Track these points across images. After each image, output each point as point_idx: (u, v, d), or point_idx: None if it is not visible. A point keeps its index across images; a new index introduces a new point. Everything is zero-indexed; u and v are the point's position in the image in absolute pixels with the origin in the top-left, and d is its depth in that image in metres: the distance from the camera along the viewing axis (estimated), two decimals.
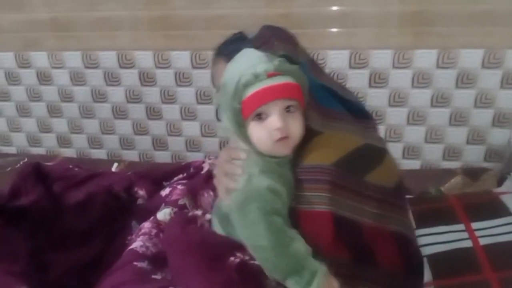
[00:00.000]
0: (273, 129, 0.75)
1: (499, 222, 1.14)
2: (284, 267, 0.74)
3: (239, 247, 0.84)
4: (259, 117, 0.76)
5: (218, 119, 0.84)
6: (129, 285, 0.83)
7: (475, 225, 1.15)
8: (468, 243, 1.10)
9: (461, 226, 1.15)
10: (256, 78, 0.74)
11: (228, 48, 0.89)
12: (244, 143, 0.81)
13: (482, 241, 1.09)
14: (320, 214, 0.76)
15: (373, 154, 0.83)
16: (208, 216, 1.00)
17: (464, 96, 1.45)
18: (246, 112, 0.76)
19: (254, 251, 0.77)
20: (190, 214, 0.99)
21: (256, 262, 0.81)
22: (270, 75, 0.74)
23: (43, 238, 1.05)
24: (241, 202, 0.78)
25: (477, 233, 1.12)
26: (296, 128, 0.77)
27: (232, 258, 0.83)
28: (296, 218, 0.77)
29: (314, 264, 0.74)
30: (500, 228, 1.12)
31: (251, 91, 0.74)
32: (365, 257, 0.78)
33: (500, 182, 1.34)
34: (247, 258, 0.83)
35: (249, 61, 0.76)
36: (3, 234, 1.01)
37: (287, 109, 0.76)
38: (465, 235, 1.12)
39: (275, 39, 0.86)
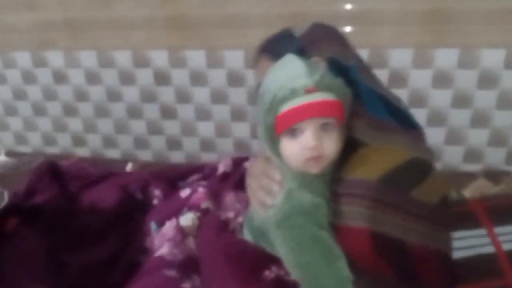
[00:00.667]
0: (306, 147, 0.72)
1: None
2: (327, 285, 0.71)
3: (274, 260, 0.82)
4: (293, 133, 0.72)
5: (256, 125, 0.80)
6: None
7: (497, 230, 1.12)
8: (491, 249, 1.07)
9: (483, 231, 1.12)
10: (293, 94, 0.70)
11: (273, 45, 0.84)
12: (276, 159, 0.78)
13: (505, 247, 1.06)
14: (358, 231, 0.72)
15: (419, 169, 0.78)
16: (239, 219, 0.98)
17: (485, 97, 1.42)
18: (279, 127, 0.72)
19: (296, 268, 0.74)
20: (223, 218, 0.97)
21: (292, 278, 0.79)
22: (308, 91, 0.70)
23: (59, 237, 1.05)
24: (283, 218, 0.75)
25: (500, 238, 1.09)
26: (330, 147, 0.73)
27: (267, 272, 0.82)
28: (333, 233, 0.74)
29: None
30: None
31: (286, 107, 0.71)
32: (409, 276, 0.75)
33: None
34: (282, 273, 0.81)
35: (289, 74, 0.73)
36: (19, 233, 1.01)
37: (323, 126, 0.72)
38: (487, 240, 1.09)
39: (323, 40, 0.82)
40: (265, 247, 0.86)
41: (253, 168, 0.89)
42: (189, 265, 0.89)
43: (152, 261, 0.91)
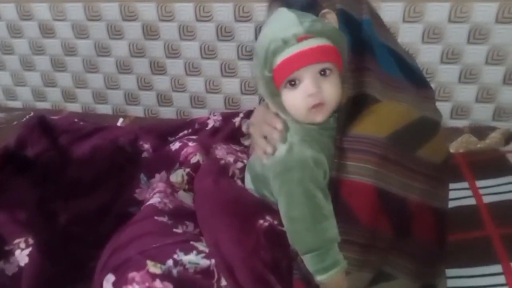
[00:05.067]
0: (306, 95, 0.72)
1: (504, 181, 1.14)
2: (309, 242, 0.73)
3: (269, 209, 0.84)
4: (292, 83, 0.72)
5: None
6: (150, 236, 0.83)
7: (479, 183, 1.15)
8: (472, 201, 1.10)
9: (465, 184, 1.15)
10: (286, 44, 0.70)
11: None
12: (280, 112, 0.78)
13: (486, 199, 1.10)
14: (363, 186, 0.73)
15: (427, 128, 0.79)
16: (239, 164, 0.99)
17: (475, 52, 1.41)
18: (278, 80, 0.73)
19: (285, 219, 0.76)
20: (222, 161, 0.98)
21: (284, 228, 0.81)
22: (300, 39, 0.70)
23: (50, 188, 1.06)
24: (282, 170, 0.76)
25: (481, 191, 1.13)
26: (331, 92, 0.73)
27: (261, 221, 0.83)
28: (336, 186, 0.75)
29: (339, 255, 0.73)
30: (505, 187, 1.13)
31: (281, 58, 0.71)
32: (404, 231, 0.77)
33: (508, 141, 1.33)
34: (276, 222, 0.83)
35: (279, 25, 0.72)
36: (10, 183, 1.02)
37: (322, 72, 0.72)
38: (469, 193, 1.13)
39: None
40: (266, 194, 0.87)
41: (254, 116, 0.89)
42: (180, 214, 0.91)
43: (143, 209, 0.93)
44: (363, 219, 0.74)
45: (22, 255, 0.89)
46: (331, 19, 0.77)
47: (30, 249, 0.89)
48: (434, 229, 0.81)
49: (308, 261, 0.74)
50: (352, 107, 0.76)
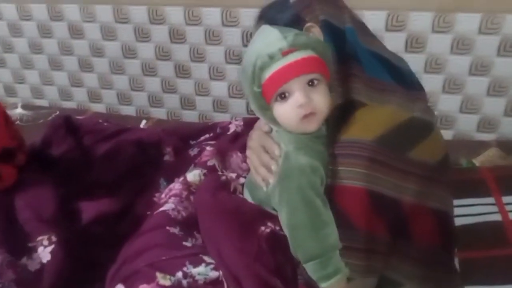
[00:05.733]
0: (297, 106, 0.73)
1: None
2: (311, 250, 0.73)
3: (270, 216, 0.85)
4: (282, 96, 0.73)
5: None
6: (159, 248, 0.84)
7: (506, 199, 1.12)
8: (498, 217, 1.08)
9: (491, 200, 1.13)
10: (272, 59, 0.71)
11: (270, 13, 0.84)
12: (273, 125, 0.79)
13: None
14: (354, 190, 0.74)
15: (418, 129, 0.79)
16: (242, 180, 0.99)
17: (505, 65, 1.38)
18: (267, 95, 0.74)
19: (286, 228, 0.77)
20: (223, 177, 0.99)
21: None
22: (285, 53, 0.71)
23: (72, 187, 1.08)
24: (280, 178, 0.77)
25: (507, 208, 1.10)
26: (321, 101, 0.74)
27: (262, 228, 0.83)
28: (330, 193, 0.76)
29: (340, 262, 0.73)
30: None
31: (268, 73, 0.72)
32: (402, 233, 0.77)
33: None
34: (277, 228, 0.83)
35: (263, 41, 0.73)
36: (35, 181, 1.04)
37: (310, 83, 0.73)
38: (495, 208, 1.10)
39: (317, 2, 0.81)
40: (265, 204, 0.87)
41: (251, 140, 0.89)
42: (191, 223, 0.91)
43: (156, 216, 0.93)
44: (358, 223, 0.74)
45: (45, 252, 0.90)
46: (316, 32, 0.78)
47: (52, 246, 0.90)
48: (436, 232, 0.80)
49: (310, 269, 0.74)
50: (340, 114, 0.77)
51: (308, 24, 0.78)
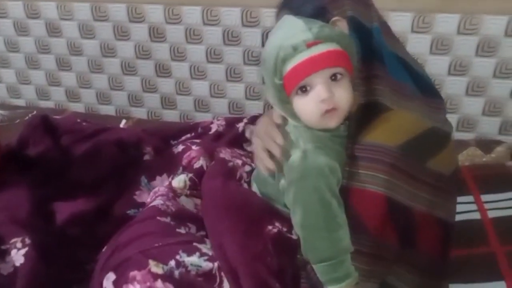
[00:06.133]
0: (319, 101, 0.71)
1: (509, 196, 1.13)
2: (323, 251, 0.72)
3: (279, 215, 0.84)
4: (303, 90, 0.72)
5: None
6: (152, 236, 0.82)
7: (484, 197, 1.14)
8: (477, 215, 1.09)
9: (470, 198, 1.14)
10: (295, 50, 0.69)
11: (294, 3, 0.81)
12: (292, 120, 0.78)
13: (491, 214, 1.09)
14: (373, 195, 0.73)
15: (438, 139, 0.78)
16: (247, 167, 0.98)
17: (483, 65, 1.40)
18: (288, 87, 0.72)
19: (299, 228, 0.75)
20: (231, 164, 0.97)
21: (293, 236, 0.80)
22: (309, 45, 0.69)
23: (50, 188, 1.06)
24: (297, 178, 0.75)
25: (486, 206, 1.11)
26: (343, 97, 0.72)
27: (270, 227, 0.82)
28: (345, 194, 0.75)
29: (351, 266, 0.73)
30: (510, 202, 1.11)
31: (291, 65, 0.70)
32: (410, 242, 0.76)
33: None
34: (285, 229, 0.82)
35: (287, 32, 0.72)
36: (11, 183, 1.02)
37: (333, 77, 0.71)
38: (474, 207, 1.11)
39: None
40: (277, 206, 0.86)
41: (258, 127, 0.88)
42: (183, 216, 0.90)
43: (145, 211, 0.92)
44: (372, 229, 0.73)
45: (18, 255, 0.88)
46: (342, 26, 0.76)
47: (26, 249, 0.88)
48: (439, 242, 0.80)
49: (320, 271, 0.73)
50: (363, 115, 0.75)
51: (335, 18, 0.76)
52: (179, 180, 1.00)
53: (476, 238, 1.03)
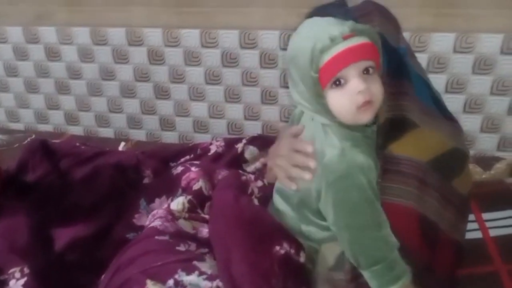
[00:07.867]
0: (355, 92, 0.71)
1: (510, 214, 1.12)
2: (375, 250, 0.71)
3: (288, 236, 0.83)
4: (337, 83, 0.72)
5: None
6: (152, 254, 0.82)
7: (485, 215, 1.12)
8: (478, 234, 1.08)
9: (471, 217, 1.12)
10: (333, 41, 0.69)
11: (326, 10, 0.82)
12: (325, 116, 0.76)
13: (492, 233, 1.07)
14: (406, 210, 0.73)
15: (461, 160, 0.80)
16: (259, 182, 0.97)
17: (480, 83, 1.41)
18: (324, 79, 0.72)
19: (345, 229, 0.73)
20: (244, 177, 0.97)
21: (301, 259, 0.80)
22: (346, 37, 0.70)
23: (48, 213, 1.05)
24: (338, 178, 0.73)
25: (488, 224, 1.10)
26: (378, 90, 0.73)
27: (277, 248, 0.81)
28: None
29: (403, 263, 0.71)
30: (511, 220, 1.10)
31: (328, 56, 0.70)
32: (429, 259, 0.76)
33: None
34: (292, 251, 0.81)
35: (322, 26, 0.72)
36: (10, 209, 1.01)
37: (365, 71, 0.72)
38: (475, 225, 1.10)
39: (375, 15, 0.81)
40: (307, 214, 0.83)
41: (278, 148, 0.88)
42: (181, 236, 0.90)
43: (145, 231, 0.92)
44: (409, 246, 0.73)
45: (17, 285, 0.87)
46: None
47: (25, 279, 0.88)
48: (451, 263, 0.80)
49: (376, 274, 0.71)
50: (392, 128, 0.76)
51: None
52: (178, 203, 1.00)
53: (479, 257, 1.01)
